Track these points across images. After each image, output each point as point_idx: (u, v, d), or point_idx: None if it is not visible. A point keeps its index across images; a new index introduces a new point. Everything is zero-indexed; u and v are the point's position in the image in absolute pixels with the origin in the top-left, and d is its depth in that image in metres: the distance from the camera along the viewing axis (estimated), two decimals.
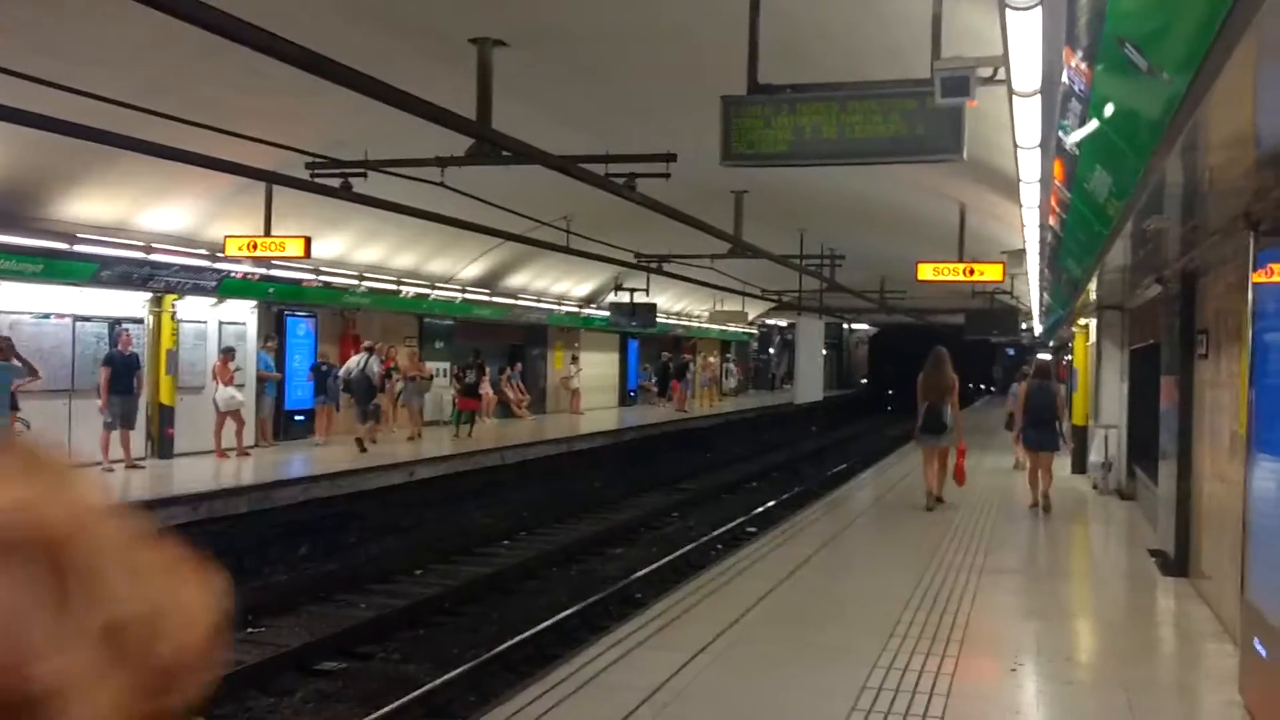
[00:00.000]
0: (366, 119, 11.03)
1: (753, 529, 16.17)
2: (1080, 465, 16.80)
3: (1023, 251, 13.87)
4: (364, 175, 12.38)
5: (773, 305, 36.81)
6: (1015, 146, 6.08)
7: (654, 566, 13.63)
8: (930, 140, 6.17)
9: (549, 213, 17.78)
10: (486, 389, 24.89)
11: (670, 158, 11.37)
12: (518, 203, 15.26)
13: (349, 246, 19.27)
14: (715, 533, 16.28)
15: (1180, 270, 8.88)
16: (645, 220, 16.97)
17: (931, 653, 6.69)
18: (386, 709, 7.98)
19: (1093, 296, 14.76)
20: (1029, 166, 6.80)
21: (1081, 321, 18.47)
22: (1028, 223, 9.93)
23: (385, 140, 12.40)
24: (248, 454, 17.09)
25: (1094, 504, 14.54)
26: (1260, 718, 5.36)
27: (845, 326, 56.21)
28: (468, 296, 23.41)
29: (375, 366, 18.86)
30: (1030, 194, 8.10)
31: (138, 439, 15.63)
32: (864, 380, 62.89)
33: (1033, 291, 18.35)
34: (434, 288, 22.22)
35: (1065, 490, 15.00)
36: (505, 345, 28.41)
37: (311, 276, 18.55)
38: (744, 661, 6.53)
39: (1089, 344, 17.38)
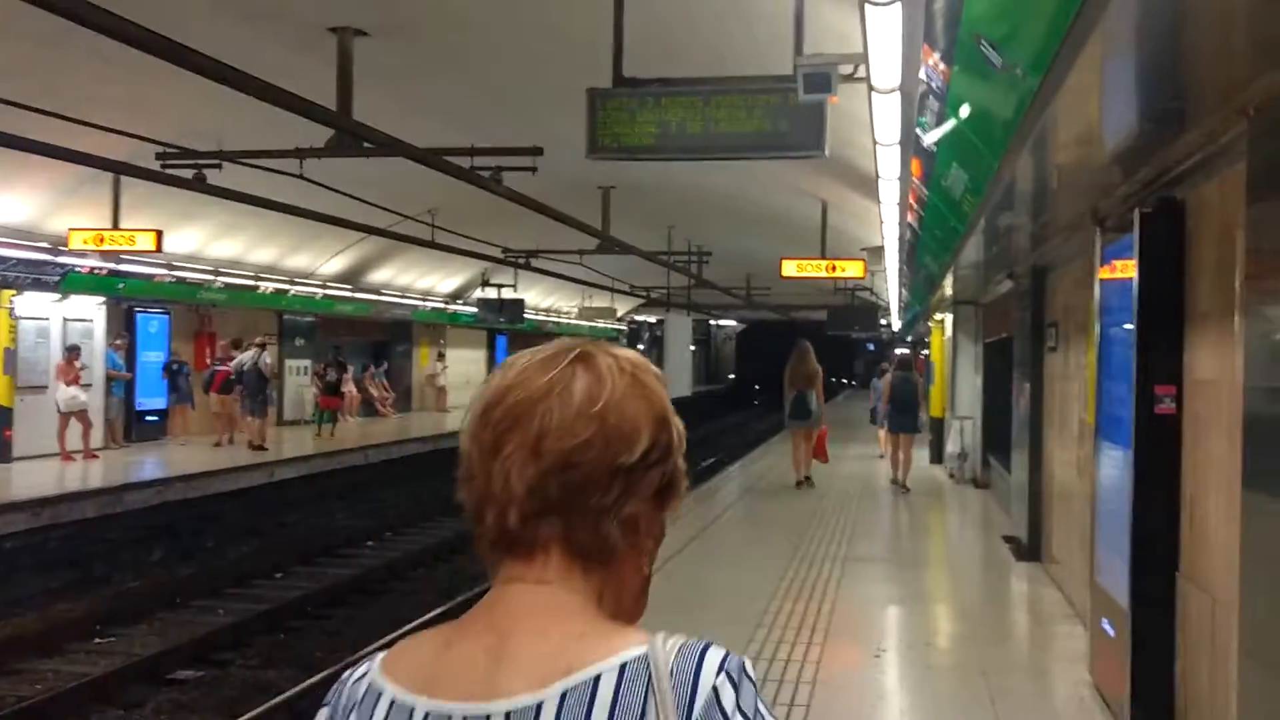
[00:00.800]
0: (222, 109, 10.68)
1: None
2: (938, 456, 17.32)
3: (882, 249, 14.20)
4: (218, 167, 11.97)
5: (642, 301, 36.99)
6: (875, 144, 6.21)
7: None
8: (793, 136, 6.24)
9: (413, 206, 17.47)
10: (350, 387, 24.38)
11: (536, 151, 11.26)
12: (381, 196, 14.96)
13: (204, 241, 18.62)
14: None
15: (1031, 266, 9.20)
16: (512, 215, 16.79)
17: (798, 642, 6.78)
18: (245, 717, 7.71)
19: (948, 292, 15.21)
20: (888, 164, 6.95)
21: (938, 316, 19.03)
22: (887, 220, 10.16)
23: (242, 131, 12.00)
24: (95, 456, 16.35)
25: (951, 493, 15.01)
26: (1108, 695, 5.58)
27: (713, 323, 56.88)
28: (329, 292, 22.87)
29: (267, 360, 18.85)
30: (889, 191, 8.28)
31: None
32: (731, 376, 63.71)
33: (891, 288, 18.83)
34: (294, 283, 21.63)
35: (923, 479, 15.49)
36: (369, 342, 27.86)
37: (164, 272, 17.85)
38: None
39: (945, 338, 17.91)
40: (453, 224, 17.87)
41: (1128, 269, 5.10)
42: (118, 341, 18.08)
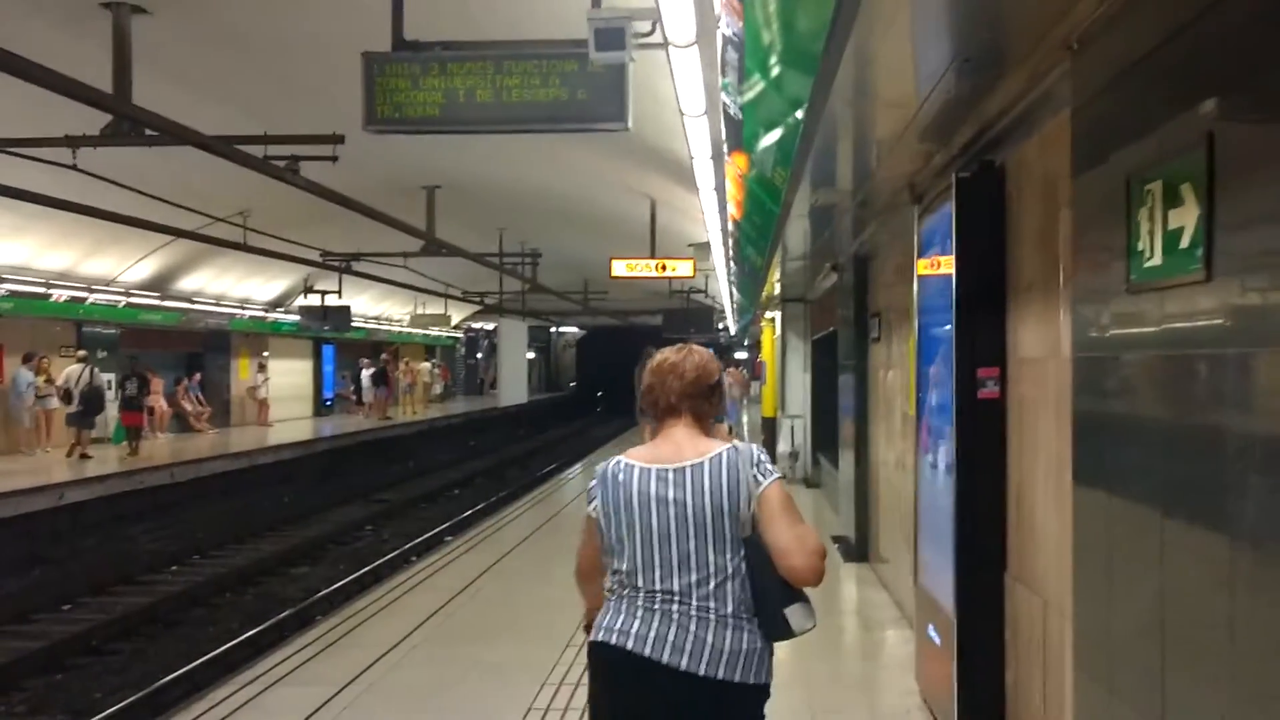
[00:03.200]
0: None
1: (449, 538, 15.45)
2: (770, 456, 17.13)
3: (708, 244, 13.86)
4: None
5: (477, 308, 36.08)
6: (682, 115, 5.70)
7: (338, 585, 12.67)
8: (593, 107, 5.69)
9: (222, 208, 16.33)
10: (158, 402, 22.80)
11: (337, 139, 10.44)
12: (185, 196, 13.83)
13: None
14: (409, 544, 15.42)
15: (853, 255, 8.88)
16: (331, 216, 15.89)
17: None
18: None
19: (776, 290, 14.98)
20: (698, 140, 6.45)
21: (769, 315, 18.86)
22: (706, 207, 9.73)
23: (10, 119, 10.85)
24: None
25: None
26: (936, 707, 5.17)
27: (553, 330, 56.26)
28: (133, 301, 21.30)
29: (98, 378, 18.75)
30: (704, 174, 7.82)
31: None
32: (573, 384, 63.16)
33: (723, 287, 18.62)
34: (92, 291, 20.04)
35: None
36: (182, 354, 26.17)
37: None
38: (399, 690, 5.80)
39: (775, 337, 17.73)
40: (267, 227, 16.78)
41: (946, 264, 4.70)
42: None
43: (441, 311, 34.75)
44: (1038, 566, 4.05)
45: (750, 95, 4.48)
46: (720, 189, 8.30)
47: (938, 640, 4.97)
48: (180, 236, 15.34)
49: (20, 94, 7.91)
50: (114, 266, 20.48)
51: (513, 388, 30.62)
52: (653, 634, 2.75)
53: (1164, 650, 2.62)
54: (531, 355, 49.24)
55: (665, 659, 2.72)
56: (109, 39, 9.07)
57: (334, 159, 10.63)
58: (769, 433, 17.58)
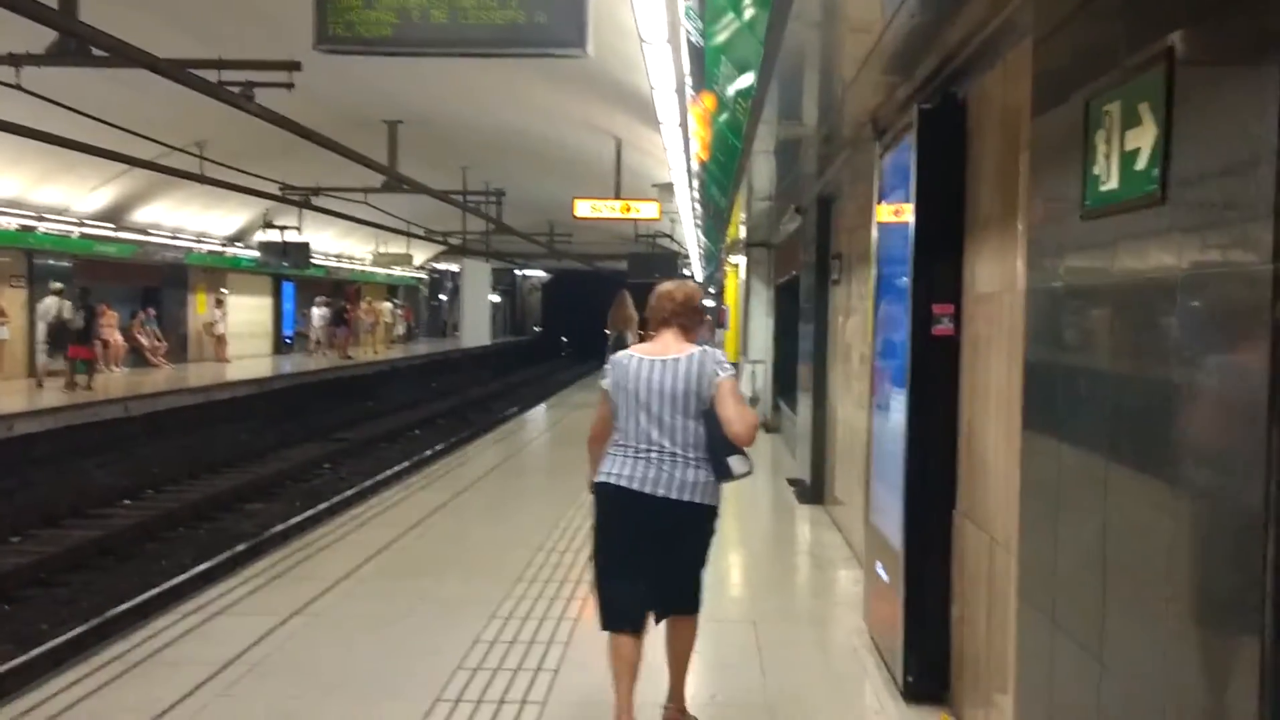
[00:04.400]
0: None
1: (407, 477, 15.38)
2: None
3: (672, 185, 13.71)
4: None
5: (441, 249, 35.71)
6: (642, 43, 5.55)
7: (294, 521, 12.58)
8: (552, 31, 5.51)
9: (178, 138, 15.96)
10: (113, 335, 22.44)
11: (293, 65, 10.20)
12: (138, 125, 13.48)
13: None
14: (368, 483, 15.32)
15: (816, 196, 8.79)
16: (290, 149, 15.59)
17: (558, 597, 6.17)
18: None
19: (742, 234, 14.88)
20: (659, 72, 6.29)
21: (733, 260, 18.76)
22: (669, 144, 9.56)
23: None
24: None
25: None
26: (882, 643, 5.17)
27: (518, 273, 55.88)
28: (87, 231, 20.86)
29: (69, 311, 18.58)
30: (668, 109, 7.66)
31: None
32: (537, 329, 62.89)
33: (688, 231, 18.48)
34: (43, 219, 19.60)
35: None
36: (138, 288, 25.72)
37: None
38: (345, 621, 5.74)
39: (740, 282, 17.65)
40: (224, 159, 16.42)
41: (907, 211, 4.61)
42: None
43: (404, 251, 34.36)
44: (986, 503, 4.03)
45: (712, 20, 4.36)
46: (684, 125, 8.15)
47: (886, 578, 4.96)
48: (134, 165, 14.99)
49: None
50: (66, 195, 20.04)
51: (476, 330, 30.37)
52: (640, 475, 4.11)
53: (1105, 585, 2.59)
54: (496, 299, 48.91)
55: (648, 491, 4.09)
56: None
57: (290, 86, 10.38)
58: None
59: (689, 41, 5.28)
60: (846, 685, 4.97)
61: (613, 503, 4.15)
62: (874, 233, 5.61)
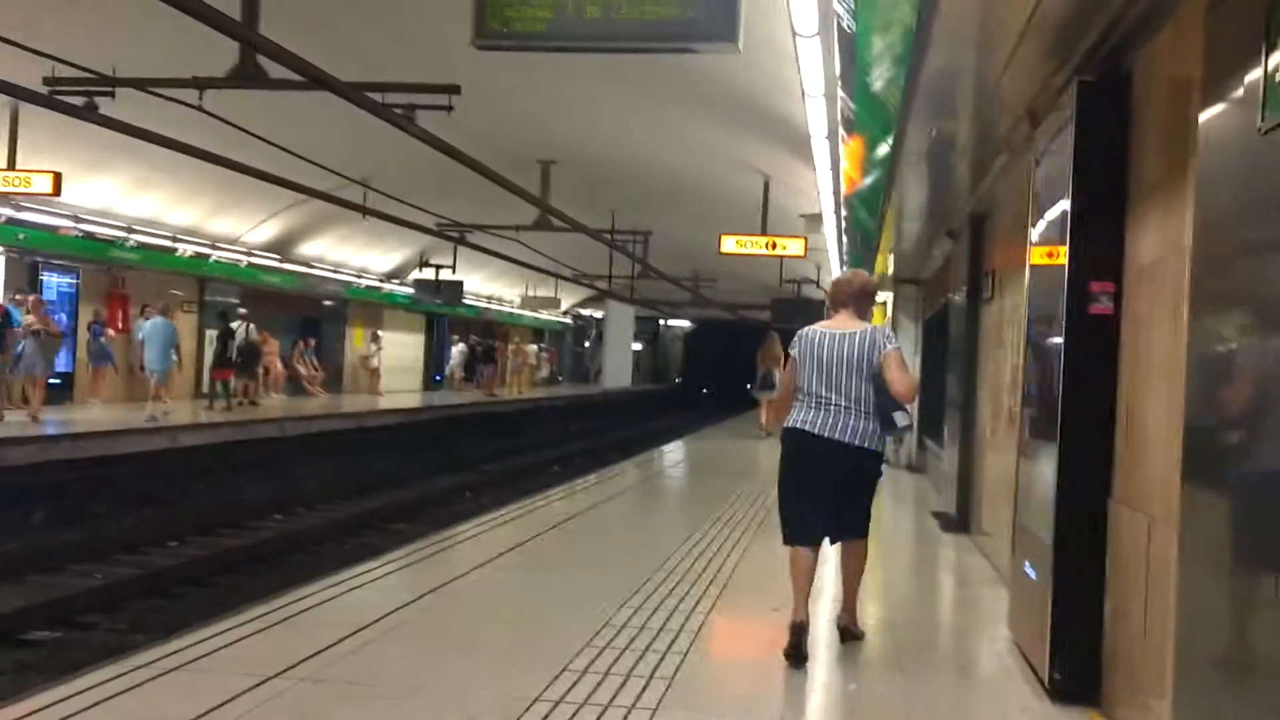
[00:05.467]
0: (117, 34, 9.82)
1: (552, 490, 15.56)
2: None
3: (820, 215, 13.62)
4: (111, 94, 11.08)
5: (587, 294, 36.26)
6: (794, 36, 5.53)
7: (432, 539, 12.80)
8: (701, 24, 5.55)
9: (346, 172, 16.64)
10: (274, 363, 23.35)
11: (453, 89, 10.57)
12: (306, 165, 14.12)
13: (116, 196, 17.66)
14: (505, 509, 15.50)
15: (969, 215, 8.59)
16: (446, 189, 16.08)
17: (690, 594, 6.12)
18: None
19: (890, 270, 14.66)
20: (810, 67, 6.25)
21: (880, 298, 18.48)
22: (819, 163, 9.50)
23: (140, 65, 11.19)
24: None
25: (885, 476, 14.47)
26: (1026, 644, 4.93)
27: (661, 322, 56.19)
28: (255, 261, 21.87)
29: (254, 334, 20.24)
30: (817, 116, 7.60)
31: None
32: (678, 380, 62.77)
33: (833, 264, 18.33)
34: (216, 248, 20.64)
35: None
36: (299, 318, 26.80)
37: (69, 224, 16.84)
38: (478, 600, 5.86)
39: (885, 319, 17.38)
40: (386, 197, 17.05)
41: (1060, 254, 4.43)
42: (17, 296, 16.95)
43: (551, 294, 34.98)
44: (1145, 484, 3.81)
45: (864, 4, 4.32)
46: (833, 137, 8.09)
47: (1033, 574, 4.74)
48: (303, 192, 15.65)
49: (150, 37, 8.00)
50: (237, 226, 21.06)
51: (618, 370, 30.61)
52: (820, 421, 5.09)
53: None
54: (638, 346, 49.23)
55: (826, 434, 5.07)
56: None
57: (449, 109, 10.73)
58: None
59: (839, 27, 5.25)
60: (989, 685, 4.84)
61: (796, 442, 5.15)
62: (1030, 211, 5.40)
